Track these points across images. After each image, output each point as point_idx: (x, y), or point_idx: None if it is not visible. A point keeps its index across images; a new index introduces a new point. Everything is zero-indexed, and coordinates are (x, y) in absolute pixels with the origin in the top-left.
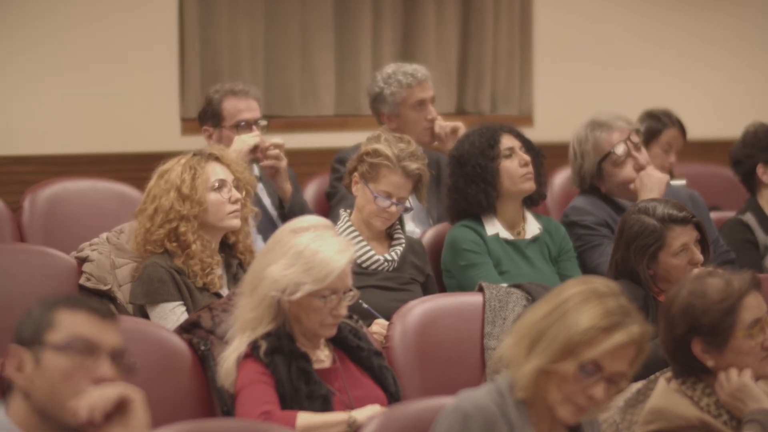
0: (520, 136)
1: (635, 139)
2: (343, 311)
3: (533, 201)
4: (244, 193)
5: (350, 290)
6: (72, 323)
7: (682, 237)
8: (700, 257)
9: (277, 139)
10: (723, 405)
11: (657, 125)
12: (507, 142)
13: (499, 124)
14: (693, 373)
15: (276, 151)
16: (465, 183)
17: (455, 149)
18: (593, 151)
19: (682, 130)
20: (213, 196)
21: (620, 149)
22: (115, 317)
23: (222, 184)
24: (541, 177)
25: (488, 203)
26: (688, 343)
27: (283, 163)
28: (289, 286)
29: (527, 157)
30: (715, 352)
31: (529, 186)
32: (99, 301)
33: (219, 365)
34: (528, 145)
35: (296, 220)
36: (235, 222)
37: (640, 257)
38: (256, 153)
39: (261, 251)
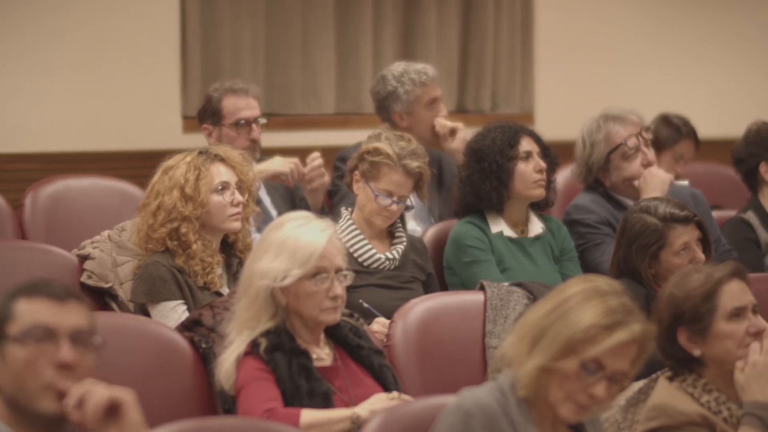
0: (539, 141)
1: (646, 135)
2: (339, 291)
3: (539, 206)
4: (246, 195)
5: (343, 270)
6: (29, 311)
7: (684, 236)
8: (701, 256)
9: (315, 157)
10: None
11: (674, 135)
12: (526, 145)
13: (521, 125)
14: (686, 367)
15: (319, 168)
16: (480, 178)
17: (474, 142)
18: (604, 141)
19: (696, 141)
20: (215, 198)
21: (632, 142)
22: (77, 298)
23: (225, 186)
24: (551, 183)
25: (498, 201)
26: (675, 334)
27: (326, 178)
28: (278, 275)
29: (543, 164)
30: (700, 340)
31: (539, 193)
32: (59, 284)
33: (217, 368)
34: (545, 152)
35: (279, 218)
36: (236, 225)
37: (641, 256)
38: (279, 178)
39: (251, 253)
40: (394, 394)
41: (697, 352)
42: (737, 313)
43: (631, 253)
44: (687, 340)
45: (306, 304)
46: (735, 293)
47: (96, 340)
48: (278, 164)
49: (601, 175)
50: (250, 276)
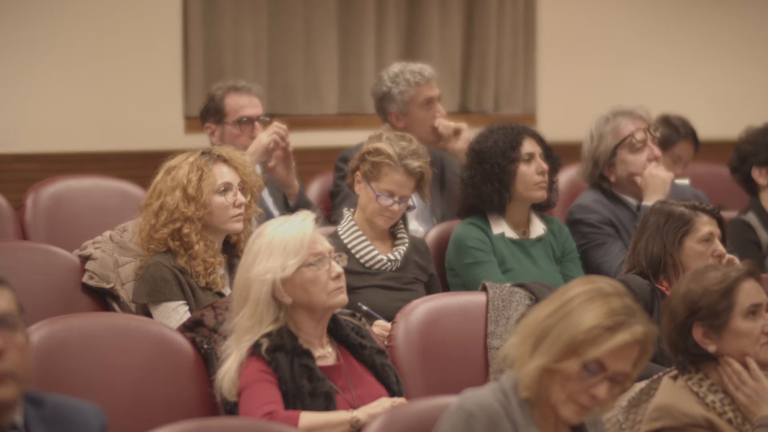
0: (542, 142)
1: (654, 132)
2: (339, 270)
3: (541, 207)
4: (249, 196)
5: (335, 251)
6: None
7: (709, 225)
8: (723, 250)
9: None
10: (734, 400)
11: (672, 135)
12: (529, 146)
13: (524, 126)
14: (696, 364)
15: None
16: (482, 180)
17: (477, 143)
18: (612, 134)
19: (695, 143)
20: (218, 199)
21: (639, 135)
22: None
23: (228, 187)
24: (553, 184)
25: (500, 203)
26: (689, 329)
27: (288, 143)
28: (277, 270)
29: (545, 166)
30: (715, 336)
31: (541, 195)
32: None
33: (219, 379)
34: (548, 153)
35: (256, 229)
36: (238, 226)
37: (670, 239)
38: (271, 152)
39: (238, 267)
40: (397, 400)
41: (712, 348)
42: (753, 311)
43: (658, 239)
44: (702, 336)
45: (312, 291)
46: (751, 291)
47: (21, 321)
48: (265, 139)
49: (606, 170)
50: (247, 284)
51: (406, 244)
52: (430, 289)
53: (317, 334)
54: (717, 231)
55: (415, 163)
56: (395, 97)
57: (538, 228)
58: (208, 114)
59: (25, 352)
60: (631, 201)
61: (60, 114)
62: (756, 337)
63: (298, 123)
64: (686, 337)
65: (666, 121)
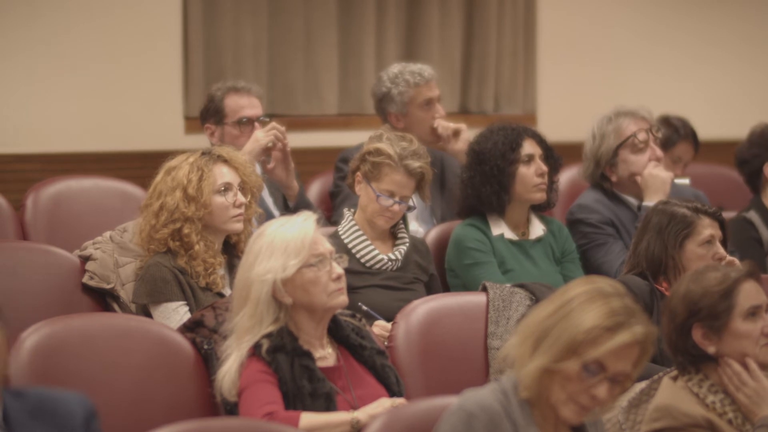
0: (542, 143)
1: (656, 133)
2: (340, 271)
3: (541, 207)
4: (249, 196)
5: (336, 252)
6: None
7: (711, 228)
8: (723, 253)
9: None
10: (735, 401)
11: (672, 136)
12: (528, 147)
13: (524, 127)
14: (696, 365)
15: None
16: (481, 181)
17: (476, 143)
18: (614, 134)
19: (695, 143)
20: (218, 199)
21: (642, 135)
22: None
23: (228, 187)
24: (553, 185)
25: (499, 204)
26: (689, 330)
27: (286, 143)
28: (278, 270)
29: (545, 168)
30: (715, 338)
31: (540, 196)
32: None
33: (219, 379)
34: (548, 153)
35: (257, 229)
36: (238, 226)
37: (671, 242)
38: (269, 152)
39: (239, 267)
40: (397, 400)
41: (711, 349)
42: (753, 312)
43: (659, 240)
44: (702, 337)
45: (313, 292)
46: (751, 292)
47: None
48: (263, 139)
49: (607, 170)
50: (248, 284)
51: (407, 244)
52: (430, 289)
53: (317, 335)
54: (718, 233)
55: (415, 164)
56: (395, 98)
57: (537, 229)
58: (208, 114)
59: (1, 350)
60: (632, 201)
61: (60, 114)
62: (756, 339)
63: (298, 123)
64: (686, 338)
65: (666, 121)
